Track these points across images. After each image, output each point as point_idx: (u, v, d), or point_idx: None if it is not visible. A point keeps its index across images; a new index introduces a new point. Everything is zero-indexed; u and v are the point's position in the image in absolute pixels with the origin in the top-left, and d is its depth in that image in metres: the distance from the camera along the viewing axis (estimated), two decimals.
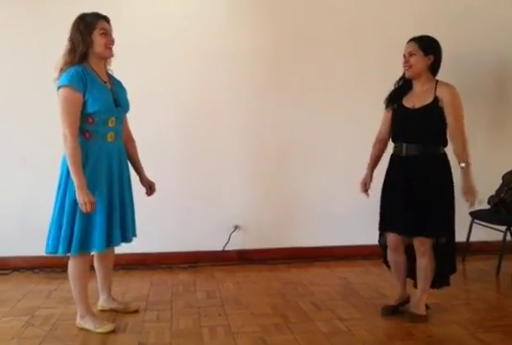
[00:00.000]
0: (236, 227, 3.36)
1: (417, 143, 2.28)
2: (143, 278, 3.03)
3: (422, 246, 2.28)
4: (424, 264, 2.30)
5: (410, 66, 2.27)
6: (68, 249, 2.07)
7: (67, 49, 2.10)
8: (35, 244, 3.04)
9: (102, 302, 2.45)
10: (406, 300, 2.45)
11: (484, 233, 3.36)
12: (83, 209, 2.01)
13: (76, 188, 2.00)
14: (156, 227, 3.23)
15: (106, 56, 2.15)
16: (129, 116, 2.38)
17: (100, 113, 2.08)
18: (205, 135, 3.30)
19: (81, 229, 2.07)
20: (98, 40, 2.08)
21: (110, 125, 2.14)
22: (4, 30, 3.05)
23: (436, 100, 2.24)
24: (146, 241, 3.17)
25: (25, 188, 3.11)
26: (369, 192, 2.50)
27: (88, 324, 2.19)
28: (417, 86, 2.32)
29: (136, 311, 2.42)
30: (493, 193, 3.31)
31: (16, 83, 3.08)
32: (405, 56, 2.30)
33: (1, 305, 2.53)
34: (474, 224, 3.35)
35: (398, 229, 2.34)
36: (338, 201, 3.43)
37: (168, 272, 3.16)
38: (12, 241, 3.09)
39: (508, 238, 3.17)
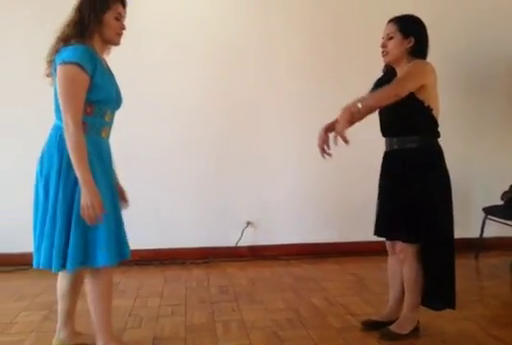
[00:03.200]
0: (248, 223, 3.39)
1: (396, 136, 2.05)
2: (157, 274, 3.07)
3: (401, 253, 2.07)
4: (404, 273, 2.07)
5: (387, 52, 2.02)
6: (93, 262, 1.71)
7: (72, 20, 1.76)
8: None
9: (63, 337, 1.96)
10: (394, 320, 2.13)
11: (498, 229, 3.34)
12: (89, 213, 1.64)
13: (83, 187, 1.65)
14: (169, 223, 3.28)
15: (115, 43, 1.84)
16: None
17: (101, 103, 1.77)
18: (219, 133, 3.33)
19: (111, 235, 1.75)
20: (111, 24, 1.77)
21: (107, 119, 1.83)
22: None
23: None
24: (159, 236, 3.25)
25: None
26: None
27: None
28: (398, 72, 2.05)
29: None
30: (506, 188, 3.28)
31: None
32: (383, 38, 2.04)
33: (21, 299, 2.60)
34: (487, 220, 3.33)
35: (378, 231, 2.17)
36: (350, 197, 3.43)
37: (181, 268, 3.21)
38: (30, 237, 3.15)
39: None
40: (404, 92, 1.90)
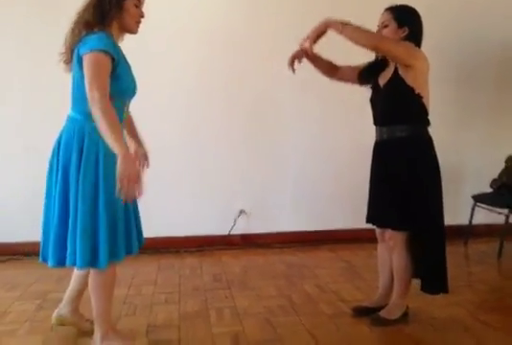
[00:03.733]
0: (241, 211, 3.41)
1: (387, 125, 2.06)
2: (151, 262, 3.09)
3: (390, 240, 2.10)
4: (394, 261, 2.11)
5: None
6: (95, 261, 1.69)
7: (90, 3, 1.67)
8: None
9: (64, 312, 2.01)
10: (383, 306, 2.18)
11: (486, 216, 3.40)
12: (128, 185, 1.50)
13: (119, 156, 1.51)
14: (163, 212, 3.29)
15: (133, 31, 1.77)
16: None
17: (121, 95, 1.72)
18: (211, 121, 3.32)
19: (122, 233, 1.74)
20: (131, 11, 1.69)
21: (125, 109, 1.80)
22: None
23: (396, 70, 1.99)
24: (153, 225, 3.24)
25: (32, 174, 3.14)
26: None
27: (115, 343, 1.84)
28: (391, 62, 2.06)
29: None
30: (495, 176, 3.33)
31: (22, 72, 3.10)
32: (378, 26, 2.05)
33: (14, 289, 2.61)
34: (476, 207, 3.38)
35: (369, 219, 2.21)
36: (343, 185, 3.46)
37: (175, 256, 3.23)
38: (23, 227, 3.15)
39: (510, 220, 3.20)
40: (384, 47, 1.91)
